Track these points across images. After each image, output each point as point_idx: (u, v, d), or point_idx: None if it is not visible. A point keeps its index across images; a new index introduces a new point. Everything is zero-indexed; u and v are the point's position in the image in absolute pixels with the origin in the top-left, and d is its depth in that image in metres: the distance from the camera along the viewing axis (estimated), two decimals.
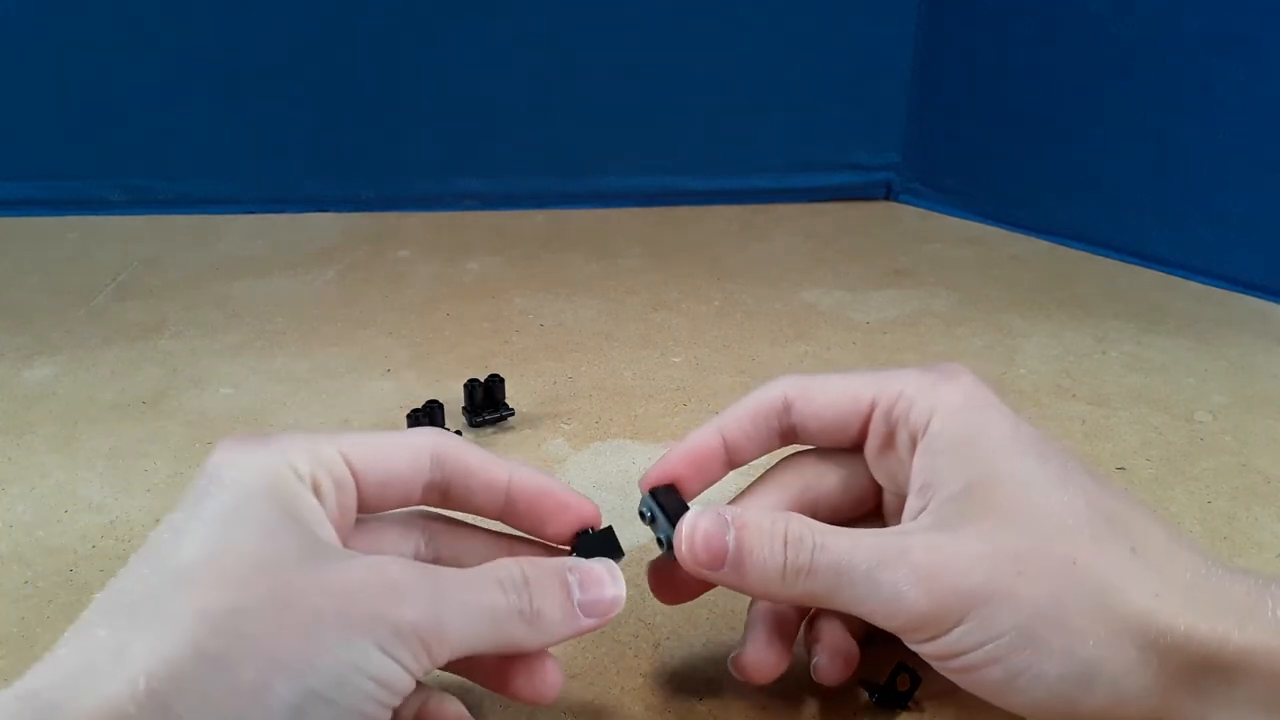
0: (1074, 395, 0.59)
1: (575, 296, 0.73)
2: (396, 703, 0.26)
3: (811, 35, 0.89)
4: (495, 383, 0.54)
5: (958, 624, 0.28)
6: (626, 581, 0.30)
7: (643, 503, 0.34)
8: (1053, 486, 0.30)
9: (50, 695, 0.23)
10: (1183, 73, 0.73)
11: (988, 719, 0.31)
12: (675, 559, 0.31)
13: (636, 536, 0.32)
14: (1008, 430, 0.31)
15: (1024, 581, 0.28)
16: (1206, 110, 0.73)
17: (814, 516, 0.32)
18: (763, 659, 0.33)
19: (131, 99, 0.87)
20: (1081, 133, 0.80)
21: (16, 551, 0.44)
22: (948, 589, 0.28)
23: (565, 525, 0.33)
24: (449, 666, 0.28)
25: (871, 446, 0.34)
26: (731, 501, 0.35)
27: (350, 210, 0.91)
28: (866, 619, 0.30)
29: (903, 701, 0.35)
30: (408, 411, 0.52)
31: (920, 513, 0.31)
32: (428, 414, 0.52)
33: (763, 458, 0.35)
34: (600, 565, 0.30)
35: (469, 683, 0.33)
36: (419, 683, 0.27)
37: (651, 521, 0.33)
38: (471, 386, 0.54)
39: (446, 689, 0.32)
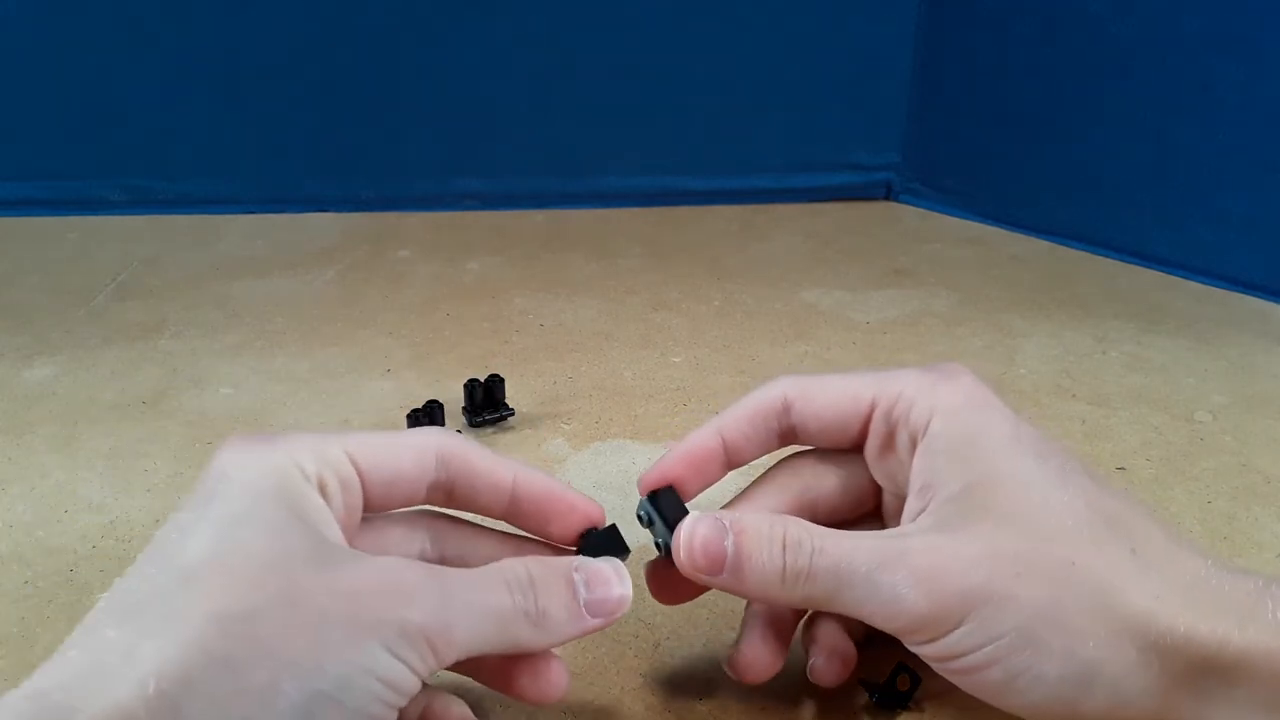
0: (1074, 395, 0.59)
1: (575, 296, 0.73)
2: (403, 704, 0.26)
3: (811, 35, 0.89)
4: (495, 383, 0.54)
5: (957, 625, 0.28)
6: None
7: (640, 506, 0.33)
8: (1052, 487, 0.29)
9: (59, 696, 0.23)
10: (1183, 73, 0.73)
11: (988, 719, 0.31)
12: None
13: (637, 536, 0.32)
14: (1008, 431, 0.31)
15: (1024, 583, 0.28)
16: (1206, 110, 0.73)
17: (813, 517, 0.32)
18: (757, 658, 0.33)
19: (131, 99, 0.87)
20: (1081, 133, 0.80)
21: (16, 551, 0.44)
22: (947, 590, 0.28)
23: (570, 526, 0.32)
24: (453, 667, 0.28)
25: (871, 447, 0.34)
26: (730, 503, 0.35)
27: (350, 210, 0.91)
28: (866, 621, 0.30)
29: (903, 702, 0.35)
30: (408, 411, 0.52)
31: (920, 514, 0.30)
32: (428, 414, 0.52)
33: (762, 458, 0.35)
34: (607, 564, 0.30)
35: (469, 681, 0.33)
36: (424, 684, 0.27)
37: (650, 526, 0.33)
38: (471, 386, 0.54)
39: (446, 689, 0.32)
